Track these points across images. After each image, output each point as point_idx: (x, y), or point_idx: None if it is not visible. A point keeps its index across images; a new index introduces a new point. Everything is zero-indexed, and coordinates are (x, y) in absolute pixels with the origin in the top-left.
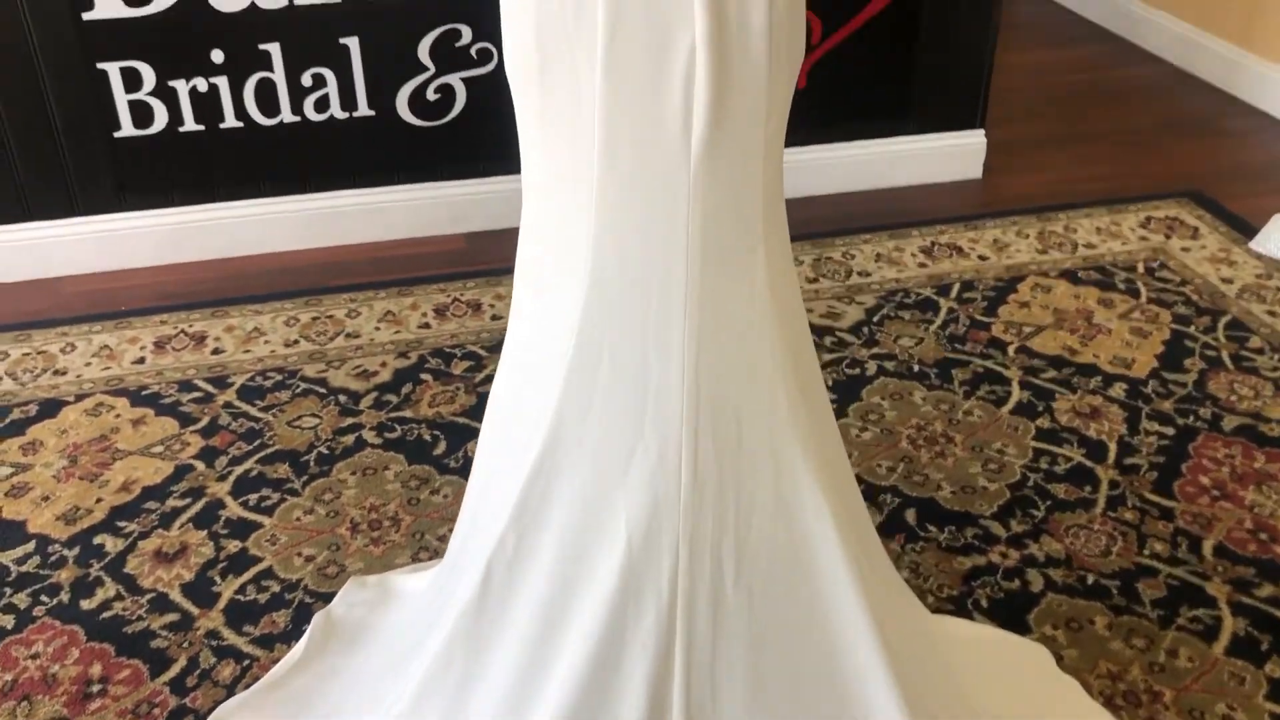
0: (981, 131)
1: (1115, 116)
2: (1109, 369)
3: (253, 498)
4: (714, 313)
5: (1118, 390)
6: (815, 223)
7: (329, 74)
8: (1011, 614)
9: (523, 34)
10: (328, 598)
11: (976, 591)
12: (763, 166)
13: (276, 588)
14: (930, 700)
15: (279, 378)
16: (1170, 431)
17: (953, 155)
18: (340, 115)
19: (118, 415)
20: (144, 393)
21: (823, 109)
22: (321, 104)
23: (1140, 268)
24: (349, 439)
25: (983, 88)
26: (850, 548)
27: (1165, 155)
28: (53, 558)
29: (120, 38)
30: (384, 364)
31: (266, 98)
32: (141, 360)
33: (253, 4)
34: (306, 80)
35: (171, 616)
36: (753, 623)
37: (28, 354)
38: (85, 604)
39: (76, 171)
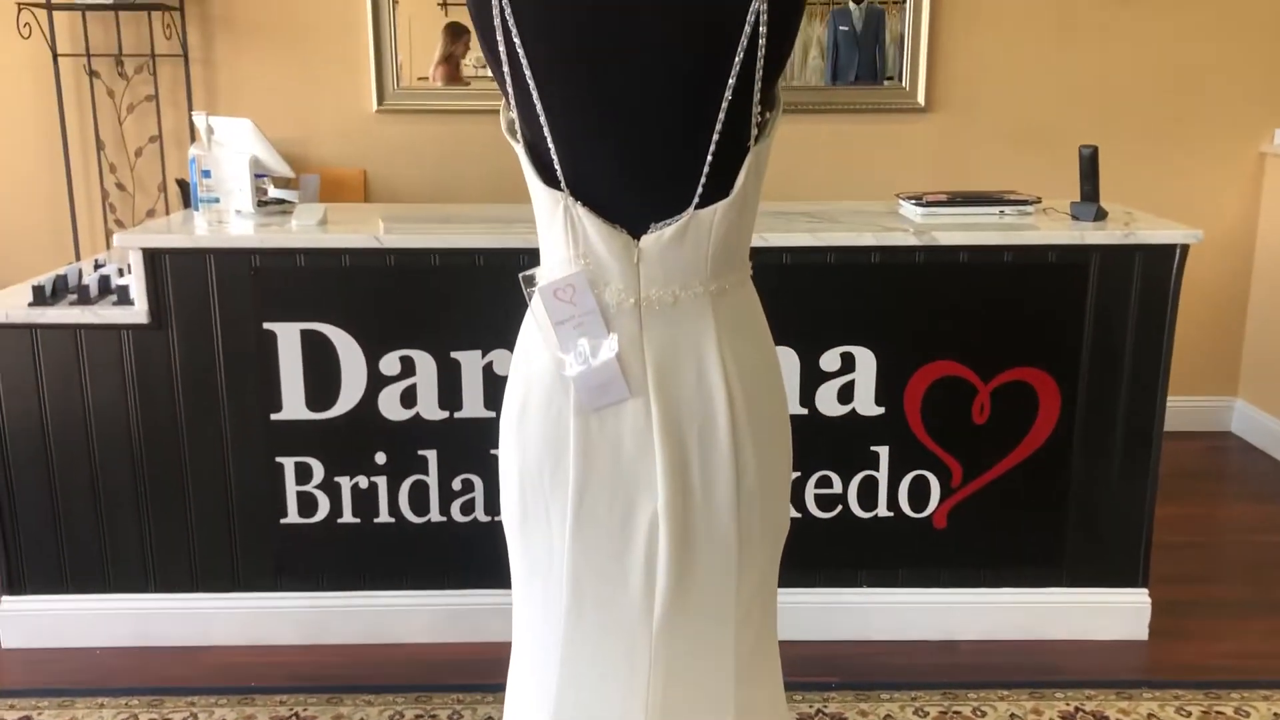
0: (1144, 590)
1: None
2: None
3: None
4: None
5: None
6: (950, 670)
7: (477, 480)
8: None
9: (509, 483)
10: None
11: None
12: (734, 634)
13: None
14: None
15: None
16: None
17: (1110, 613)
18: (484, 518)
19: None
20: None
21: (965, 552)
22: (468, 507)
23: None
24: None
25: (1143, 543)
26: None
27: None
28: None
29: (299, 436)
30: None
31: (419, 498)
32: None
33: (417, 414)
34: (457, 484)
35: None
36: None
37: (154, 719)
38: None
39: (242, 550)
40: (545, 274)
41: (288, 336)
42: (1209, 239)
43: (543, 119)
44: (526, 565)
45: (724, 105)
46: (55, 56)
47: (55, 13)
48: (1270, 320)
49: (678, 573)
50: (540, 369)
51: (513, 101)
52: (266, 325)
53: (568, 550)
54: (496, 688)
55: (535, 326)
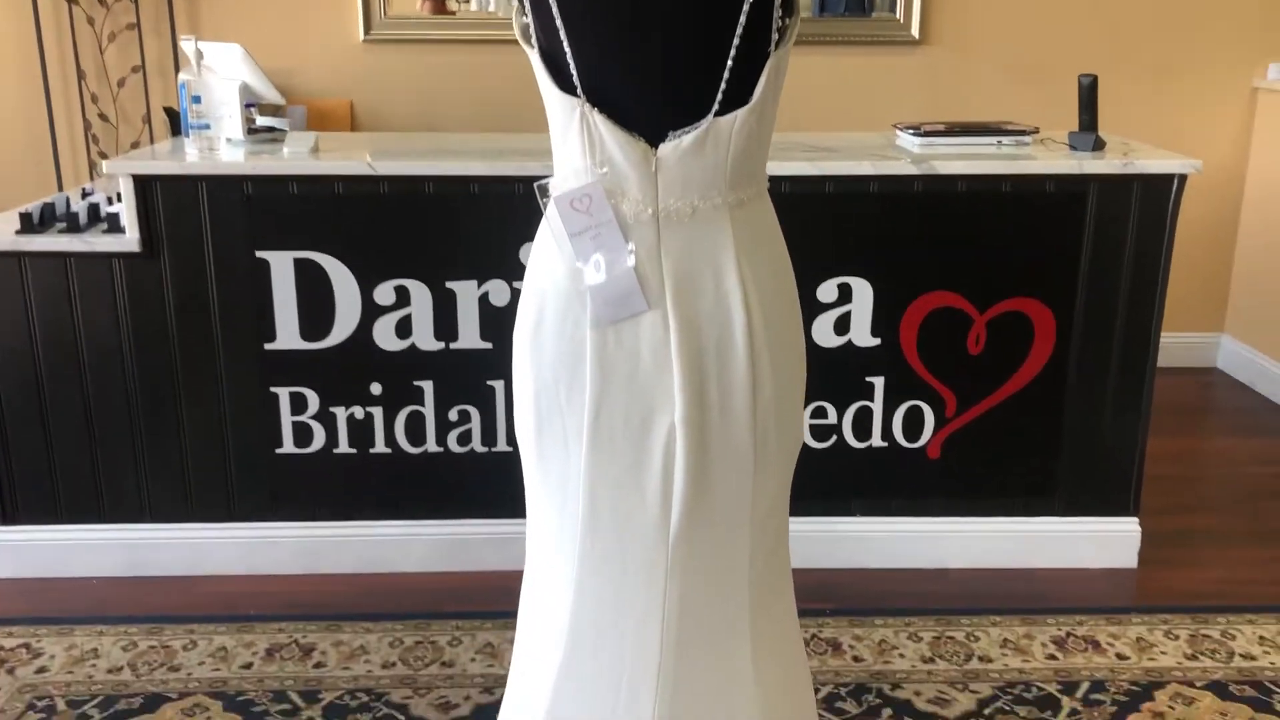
0: (1135, 519)
1: None
2: None
3: None
4: (688, 700)
5: None
6: (943, 598)
7: (474, 411)
8: None
9: (524, 400)
10: None
11: None
12: (750, 547)
13: None
14: None
15: (365, 699)
16: None
17: (1101, 541)
18: (480, 449)
19: (209, 718)
20: (240, 698)
21: (958, 481)
22: (464, 438)
23: None
24: None
25: (1135, 473)
26: None
27: None
28: None
29: (294, 366)
30: (468, 697)
31: (415, 429)
32: (249, 665)
33: (413, 345)
34: (453, 415)
35: None
36: None
37: (153, 647)
38: None
39: (238, 480)
40: (560, 184)
41: (281, 265)
42: (1199, 174)
43: (559, 23)
44: (542, 482)
45: (745, 6)
46: None
47: None
48: (1259, 256)
49: (695, 486)
50: (556, 281)
51: (528, 6)
52: (259, 254)
53: (584, 465)
54: (495, 615)
55: (550, 238)
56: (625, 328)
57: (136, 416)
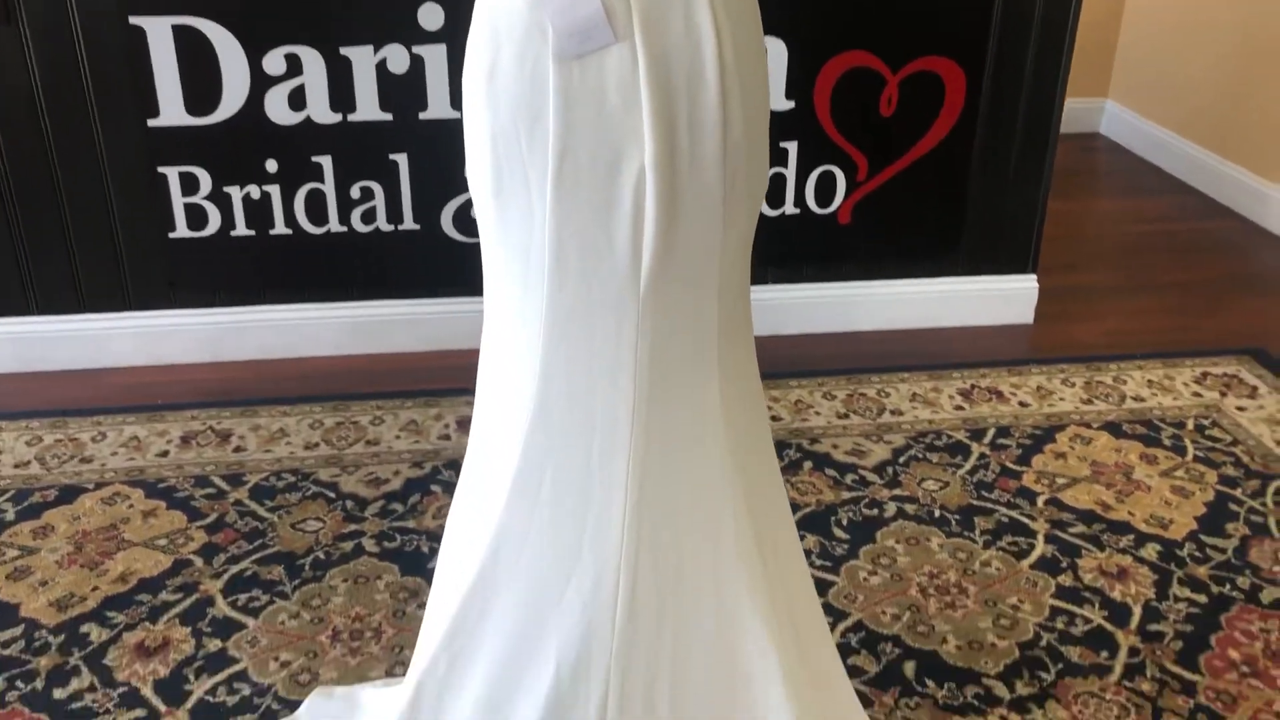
0: (1033, 277)
1: (1182, 269)
2: (1143, 528)
3: (242, 597)
4: (660, 443)
5: (1150, 551)
6: (854, 358)
7: (378, 187)
8: None
9: (479, 148)
10: (295, 705)
11: None
12: (717, 294)
13: (247, 691)
14: None
15: (293, 479)
16: (1203, 600)
17: (1002, 299)
18: (386, 227)
19: (131, 506)
20: (161, 485)
21: (868, 245)
22: (368, 216)
23: (1190, 424)
24: (348, 545)
25: (1035, 233)
26: (799, 694)
27: (1230, 311)
28: (37, 643)
29: (181, 144)
30: (397, 472)
31: (316, 208)
32: (165, 454)
33: (308, 118)
34: (355, 193)
35: (138, 712)
36: None
37: (60, 440)
38: (58, 693)
39: (131, 267)
40: None
41: (158, 32)
42: None
43: None
44: (501, 242)
45: None
46: None
47: None
48: (1144, 22)
49: (665, 233)
50: (510, 11)
51: None
52: (133, 20)
53: (549, 215)
54: (415, 394)
55: None
56: (590, 63)
57: (10, 204)
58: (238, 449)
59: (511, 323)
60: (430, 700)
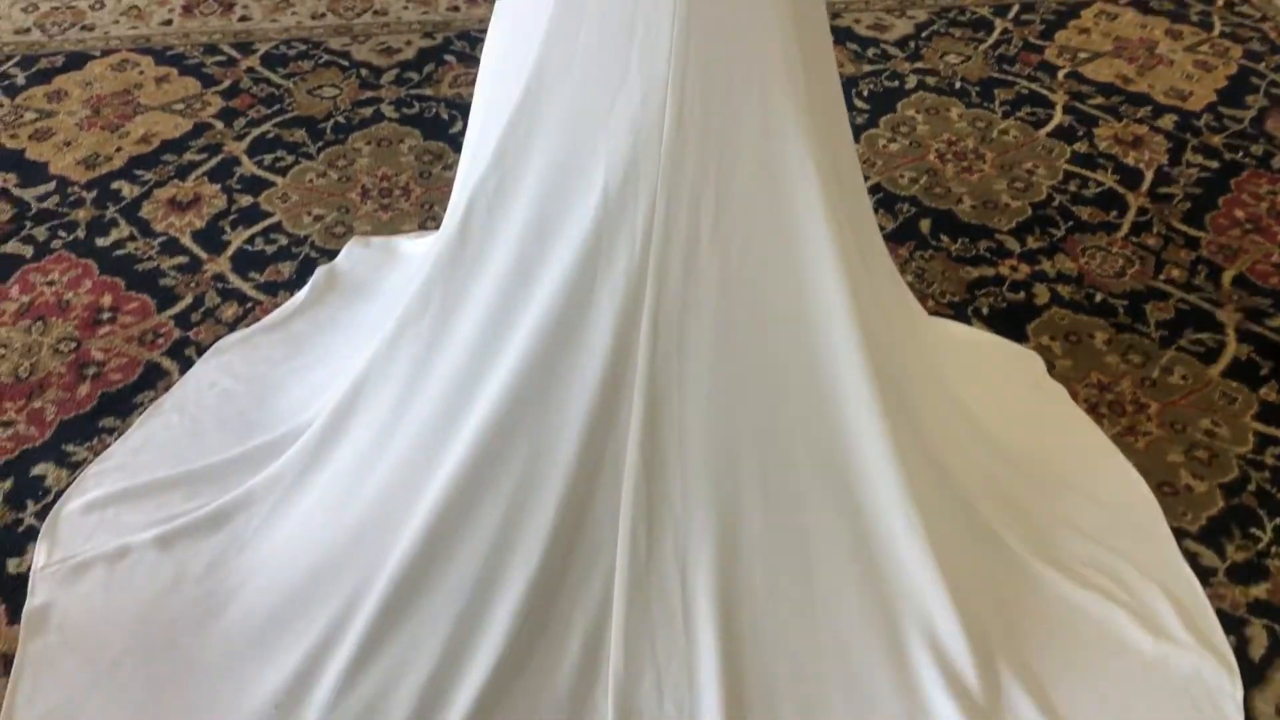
0: None
1: None
2: (1162, 99)
3: (268, 158)
4: None
5: (1167, 121)
6: None
7: None
8: (1011, 323)
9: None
10: (333, 255)
11: (979, 300)
12: None
13: (284, 241)
14: (905, 381)
15: (303, 48)
16: (1215, 165)
17: None
18: None
19: (141, 72)
20: (169, 53)
21: None
22: None
23: (1220, 1)
24: (367, 111)
25: None
26: (835, 217)
27: None
28: (71, 198)
29: None
30: (409, 42)
31: None
32: (169, 22)
33: None
34: None
35: (181, 259)
36: (726, 278)
37: (56, 8)
38: (100, 241)
39: None
40: None
41: None
42: None
43: None
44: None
45: None
46: None
47: None
48: None
49: None
50: None
51: None
52: None
53: None
54: None
55: None
56: None
57: None
58: (243, 18)
59: None
60: (480, 218)
